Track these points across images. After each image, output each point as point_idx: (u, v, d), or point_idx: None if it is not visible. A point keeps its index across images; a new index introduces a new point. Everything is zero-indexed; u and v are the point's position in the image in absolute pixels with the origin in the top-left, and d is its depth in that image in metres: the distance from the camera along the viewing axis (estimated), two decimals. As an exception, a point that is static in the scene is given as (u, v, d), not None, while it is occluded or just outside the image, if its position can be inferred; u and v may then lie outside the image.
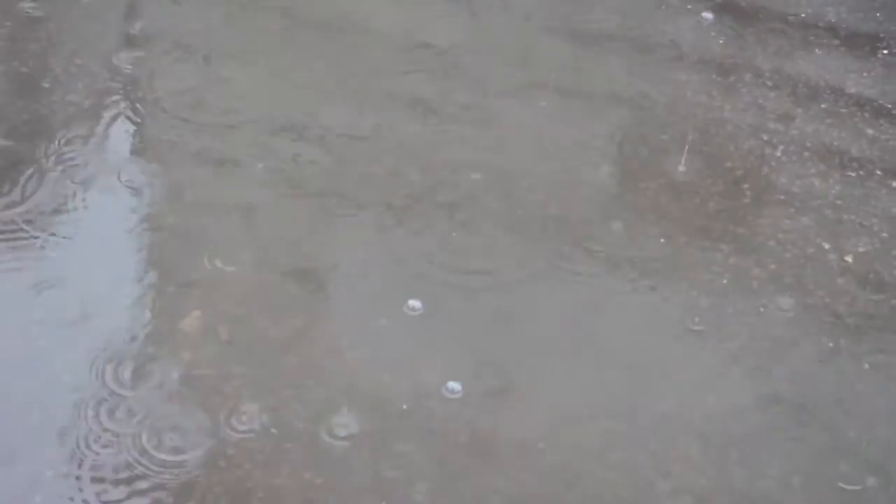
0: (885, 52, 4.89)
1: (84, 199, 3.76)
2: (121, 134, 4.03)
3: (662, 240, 3.84)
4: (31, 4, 4.49)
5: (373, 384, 3.21)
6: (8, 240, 3.58)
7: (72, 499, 2.83)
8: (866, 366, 3.53)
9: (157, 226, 3.67)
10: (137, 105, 4.14)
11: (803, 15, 5.00)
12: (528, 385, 3.28)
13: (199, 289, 3.47)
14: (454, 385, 3.20)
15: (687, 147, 4.28)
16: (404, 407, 3.14)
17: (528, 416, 3.18)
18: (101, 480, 2.86)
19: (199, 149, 3.99)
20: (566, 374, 3.33)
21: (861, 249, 3.95)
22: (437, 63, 4.49)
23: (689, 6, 4.95)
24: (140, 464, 2.89)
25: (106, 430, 2.98)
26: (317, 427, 3.08)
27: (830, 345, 3.53)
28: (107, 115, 4.12)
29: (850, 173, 4.30)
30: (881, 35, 4.94)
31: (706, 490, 3.14)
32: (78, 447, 2.95)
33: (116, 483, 2.88)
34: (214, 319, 3.36)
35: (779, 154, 4.28)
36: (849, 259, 3.93)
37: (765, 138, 4.29)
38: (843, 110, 4.57)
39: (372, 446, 3.06)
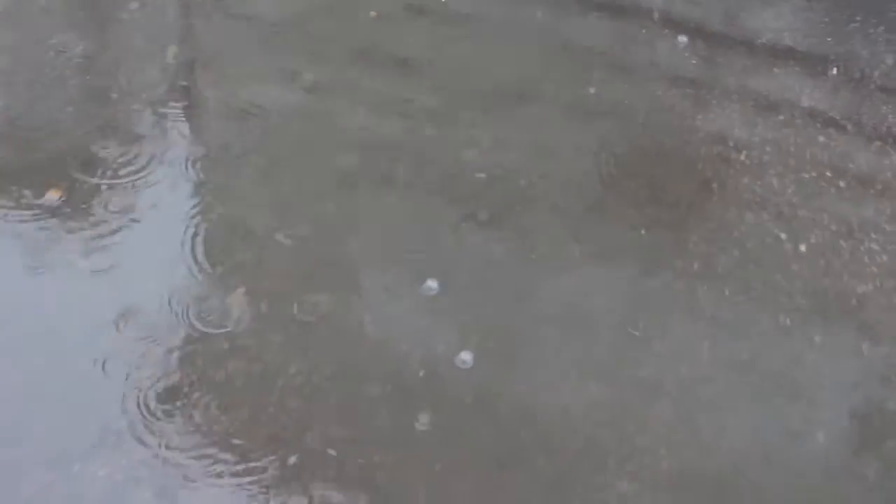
0: (835, 71, 4.89)
1: (147, 192, 3.78)
2: (176, 137, 4.04)
3: (643, 231, 3.85)
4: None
5: (394, 353, 3.23)
6: (86, 222, 3.60)
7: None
8: (816, 339, 3.55)
9: (209, 216, 3.68)
10: (191, 112, 4.15)
11: (764, 40, 5.00)
12: (529, 355, 3.30)
13: (243, 269, 3.49)
14: (466, 355, 3.23)
15: (664, 151, 4.29)
16: (421, 374, 3.16)
17: (526, 381, 3.20)
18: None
19: (245, 149, 4.00)
20: (561, 346, 3.35)
21: (813, 240, 3.96)
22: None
23: (666, 31, 4.94)
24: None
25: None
26: (346, 387, 3.10)
27: (787, 322, 3.54)
28: (165, 120, 4.13)
29: (803, 175, 4.30)
30: (831, 57, 4.95)
31: (678, 443, 3.16)
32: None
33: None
34: (257, 296, 3.38)
35: (742, 158, 4.29)
36: (802, 248, 3.94)
37: (731, 144, 4.30)
38: (798, 121, 4.57)
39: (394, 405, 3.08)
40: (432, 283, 3.51)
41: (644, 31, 5.20)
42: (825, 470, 3.25)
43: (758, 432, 3.27)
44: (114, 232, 3.62)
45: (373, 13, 4.96)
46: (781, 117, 4.81)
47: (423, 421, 3.08)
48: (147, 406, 3.01)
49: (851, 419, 3.44)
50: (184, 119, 4.14)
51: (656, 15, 5.24)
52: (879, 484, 3.23)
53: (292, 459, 2.96)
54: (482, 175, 4.15)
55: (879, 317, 3.79)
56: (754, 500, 3.06)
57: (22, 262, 3.53)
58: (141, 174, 3.84)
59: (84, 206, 3.70)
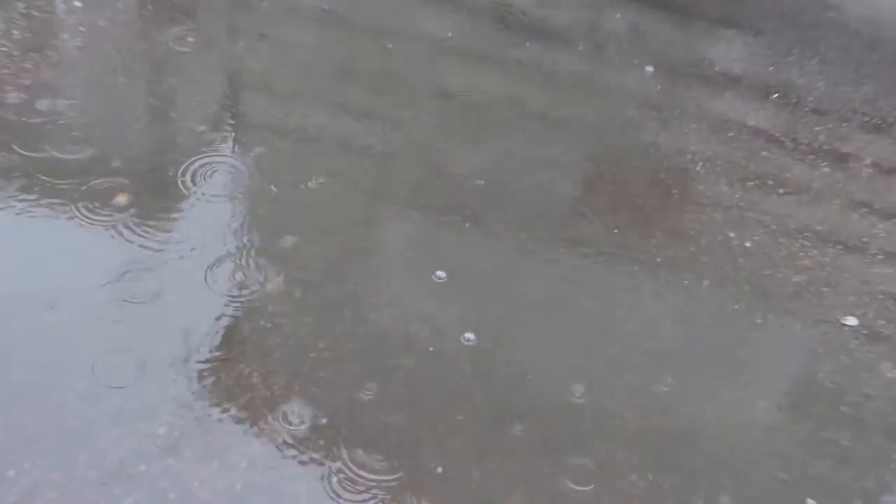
0: (776, 95, 4.93)
1: (202, 195, 3.82)
2: (227, 150, 4.08)
3: (616, 230, 3.90)
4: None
5: (407, 332, 3.27)
6: (147, 223, 3.65)
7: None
8: (759, 320, 3.59)
9: (254, 214, 3.73)
10: (239, 131, 4.20)
11: (718, 68, 5.04)
12: (519, 334, 3.34)
13: (283, 261, 3.53)
14: (470, 335, 3.28)
15: (633, 163, 4.34)
16: (431, 349, 3.21)
17: (518, 355, 3.25)
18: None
19: (280, 163, 4.05)
20: (546, 326, 3.41)
21: (756, 238, 4.00)
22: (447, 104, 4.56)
23: (635, 61, 4.99)
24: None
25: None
26: (368, 359, 3.15)
27: (735, 306, 3.58)
28: (218, 137, 4.18)
29: (749, 183, 4.34)
30: (772, 84, 4.99)
31: (644, 407, 3.21)
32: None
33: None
34: (292, 283, 3.42)
35: (698, 168, 4.32)
36: (748, 244, 3.97)
37: (688, 157, 4.34)
38: (744, 137, 4.62)
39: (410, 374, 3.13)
40: (441, 273, 3.55)
41: (616, 61, 5.24)
42: (766, 428, 3.30)
43: (711, 397, 3.32)
44: (169, 230, 3.66)
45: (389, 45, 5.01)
46: (731, 134, 4.85)
47: (431, 387, 3.13)
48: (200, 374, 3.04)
49: (788, 387, 3.50)
50: (233, 138, 4.18)
51: (626, 46, 5.29)
52: (810, 439, 3.28)
53: (322, 420, 3.01)
54: (481, 182, 4.19)
55: (811, 302, 3.83)
56: (710, 453, 3.10)
57: (98, 254, 3.57)
58: (195, 184, 3.87)
59: (146, 207, 3.74)
